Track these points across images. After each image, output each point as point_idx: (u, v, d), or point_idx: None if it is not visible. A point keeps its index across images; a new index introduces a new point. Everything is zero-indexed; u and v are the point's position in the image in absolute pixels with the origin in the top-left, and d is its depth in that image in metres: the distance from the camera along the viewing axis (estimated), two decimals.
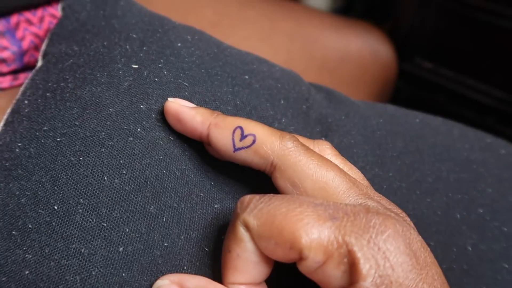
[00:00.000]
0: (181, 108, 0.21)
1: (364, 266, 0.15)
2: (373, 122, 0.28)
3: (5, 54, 0.32)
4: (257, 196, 0.18)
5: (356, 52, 0.54)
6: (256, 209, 0.17)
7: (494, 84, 0.58)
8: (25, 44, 0.33)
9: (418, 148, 0.28)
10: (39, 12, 0.34)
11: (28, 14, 0.34)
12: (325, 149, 0.22)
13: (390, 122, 0.29)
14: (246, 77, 0.26)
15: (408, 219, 0.19)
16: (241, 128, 0.20)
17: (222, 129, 0.20)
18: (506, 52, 0.54)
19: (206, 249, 0.20)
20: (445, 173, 0.26)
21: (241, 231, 0.17)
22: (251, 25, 0.48)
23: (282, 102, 0.26)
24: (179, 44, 0.26)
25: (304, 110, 0.27)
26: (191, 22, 0.47)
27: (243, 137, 0.20)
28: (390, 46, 0.57)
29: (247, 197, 0.18)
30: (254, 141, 0.19)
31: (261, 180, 0.22)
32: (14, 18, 0.33)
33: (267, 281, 0.19)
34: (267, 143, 0.19)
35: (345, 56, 0.53)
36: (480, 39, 0.56)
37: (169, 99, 0.22)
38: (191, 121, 0.21)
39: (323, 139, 0.26)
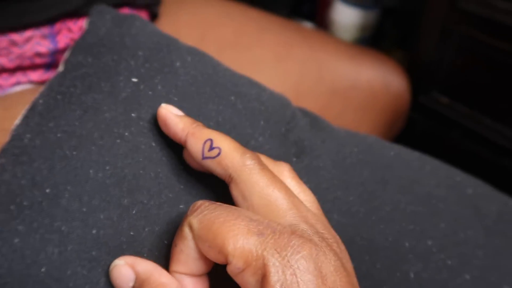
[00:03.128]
0: (168, 114, 0.25)
1: (273, 278, 0.18)
2: (347, 150, 0.31)
3: (42, 49, 0.38)
4: (206, 203, 0.21)
5: (367, 81, 0.55)
6: (201, 214, 0.20)
7: (511, 125, 0.57)
8: (61, 45, 0.39)
9: (383, 178, 0.30)
10: (80, 22, 0.39)
11: (70, 23, 0.39)
12: (283, 170, 0.25)
13: (364, 151, 0.31)
14: (232, 98, 0.29)
15: (335, 245, 0.21)
16: (211, 140, 0.23)
17: (196, 139, 0.23)
18: None
19: (166, 242, 0.24)
20: (403, 204, 0.29)
21: (186, 230, 0.21)
22: (267, 47, 0.52)
23: (262, 123, 0.30)
24: (177, 64, 0.29)
25: (282, 132, 0.30)
26: (211, 39, 0.51)
27: (211, 148, 0.23)
28: (403, 78, 0.57)
29: (199, 202, 0.21)
30: (219, 153, 0.23)
31: (224, 188, 0.25)
32: (57, 26, 0.38)
33: (215, 274, 0.22)
34: (229, 157, 0.23)
35: (355, 84, 0.54)
36: (498, 78, 0.56)
37: (162, 105, 0.26)
38: (174, 127, 0.24)
39: (294, 159, 0.29)
